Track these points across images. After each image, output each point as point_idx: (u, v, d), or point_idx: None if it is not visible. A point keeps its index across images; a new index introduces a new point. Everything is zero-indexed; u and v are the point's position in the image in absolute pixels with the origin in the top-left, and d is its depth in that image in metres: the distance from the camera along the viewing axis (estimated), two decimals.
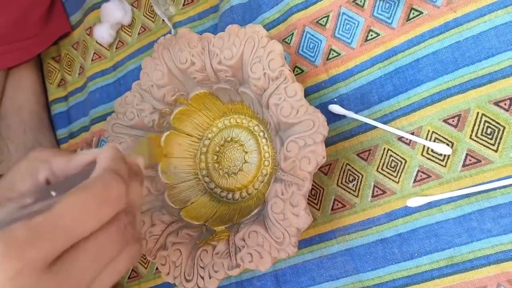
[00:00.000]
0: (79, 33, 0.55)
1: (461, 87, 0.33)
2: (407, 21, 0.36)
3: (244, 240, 0.33)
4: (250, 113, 0.40)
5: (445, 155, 0.34)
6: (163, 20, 0.48)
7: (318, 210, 0.38)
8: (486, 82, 0.33)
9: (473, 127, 0.33)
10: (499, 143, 0.32)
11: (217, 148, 0.41)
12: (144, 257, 0.46)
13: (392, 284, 0.34)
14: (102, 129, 0.50)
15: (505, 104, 0.32)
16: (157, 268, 0.45)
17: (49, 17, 0.55)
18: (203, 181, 0.42)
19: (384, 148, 0.36)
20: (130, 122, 0.41)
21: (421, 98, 0.35)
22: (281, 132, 0.34)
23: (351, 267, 0.36)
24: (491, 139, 0.32)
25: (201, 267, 0.34)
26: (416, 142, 0.34)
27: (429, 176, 0.34)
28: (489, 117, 0.32)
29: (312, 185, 0.38)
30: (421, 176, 0.34)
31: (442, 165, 0.34)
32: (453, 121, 0.34)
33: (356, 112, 0.37)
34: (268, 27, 0.41)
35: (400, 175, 0.35)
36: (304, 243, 0.38)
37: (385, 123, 0.36)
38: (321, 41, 0.39)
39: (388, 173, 0.35)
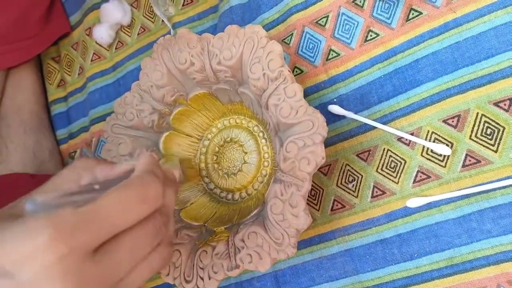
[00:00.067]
0: (79, 34, 0.55)
1: (461, 87, 0.33)
2: (406, 21, 0.35)
3: (243, 241, 0.33)
4: (250, 113, 0.40)
5: (444, 156, 0.33)
6: (162, 20, 0.48)
7: (318, 210, 0.38)
8: (485, 83, 0.33)
9: (472, 128, 0.33)
10: (498, 144, 0.32)
11: (217, 149, 0.41)
12: None
13: (391, 285, 0.34)
14: (101, 130, 0.50)
15: (504, 104, 0.32)
16: None
17: (49, 18, 0.55)
18: (203, 182, 0.42)
19: (384, 149, 0.36)
20: (130, 123, 0.41)
21: (420, 98, 0.35)
22: (280, 132, 0.34)
23: (351, 267, 0.36)
24: (490, 139, 0.32)
25: (200, 268, 0.34)
26: (415, 142, 0.34)
27: (428, 177, 0.34)
28: (488, 118, 0.32)
29: (312, 185, 0.38)
30: (420, 176, 0.34)
31: (441, 166, 0.34)
32: (452, 121, 0.33)
33: (355, 113, 0.37)
34: (268, 27, 0.41)
35: (400, 176, 0.35)
36: (303, 244, 0.38)
37: (384, 123, 0.36)
38: (320, 41, 0.39)
39: (387, 173, 0.35)
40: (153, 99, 0.40)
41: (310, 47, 0.39)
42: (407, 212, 0.34)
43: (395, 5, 0.36)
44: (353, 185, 0.36)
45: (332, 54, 0.38)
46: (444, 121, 0.34)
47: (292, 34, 0.40)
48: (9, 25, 0.50)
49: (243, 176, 0.39)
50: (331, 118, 0.38)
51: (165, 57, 0.38)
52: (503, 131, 0.32)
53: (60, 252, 0.19)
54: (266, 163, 0.39)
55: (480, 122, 0.33)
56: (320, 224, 0.37)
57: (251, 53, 0.34)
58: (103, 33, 0.50)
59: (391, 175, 0.35)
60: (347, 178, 0.37)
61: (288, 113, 0.32)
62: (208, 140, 0.42)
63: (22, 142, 0.52)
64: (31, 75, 0.56)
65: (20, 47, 0.52)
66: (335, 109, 0.37)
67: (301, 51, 0.40)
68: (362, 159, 0.36)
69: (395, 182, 0.35)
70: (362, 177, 0.36)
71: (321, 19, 0.39)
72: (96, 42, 0.52)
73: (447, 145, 0.33)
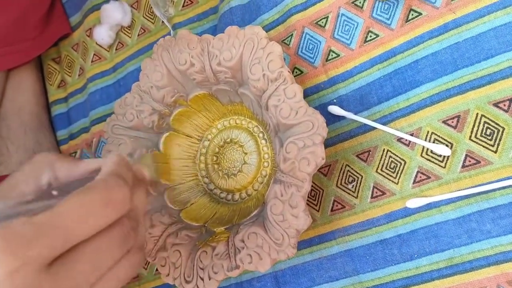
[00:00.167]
0: (79, 35, 0.55)
1: (461, 88, 0.33)
2: (406, 22, 0.36)
3: (243, 242, 0.33)
4: (250, 114, 0.40)
5: (444, 156, 0.34)
6: (162, 21, 0.48)
7: (318, 211, 0.38)
8: (485, 83, 0.33)
9: (472, 128, 0.33)
10: (498, 144, 0.32)
11: (217, 149, 0.42)
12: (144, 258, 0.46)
13: (391, 285, 0.34)
14: (102, 130, 0.50)
15: (504, 105, 0.32)
16: (157, 269, 0.45)
17: (49, 19, 0.55)
18: (203, 182, 0.42)
19: (384, 149, 0.36)
20: (130, 123, 0.41)
21: (420, 99, 0.35)
22: (280, 133, 0.34)
23: (351, 268, 0.36)
24: (490, 140, 0.32)
25: (200, 268, 0.34)
26: (415, 143, 0.34)
27: (428, 177, 0.34)
28: (488, 118, 0.32)
29: (312, 186, 0.38)
30: (420, 177, 0.34)
31: (441, 166, 0.34)
32: (452, 122, 0.34)
33: (355, 113, 0.37)
34: (268, 28, 0.41)
35: (400, 176, 0.35)
36: (303, 244, 0.38)
37: (384, 124, 0.36)
38: (320, 42, 0.39)
39: (387, 174, 0.35)
40: (153, 100, 0.40)
41: (310, 48, 0.39)
42: (407, 212, 0.34)
43: (395, 5, 0.36)
44: (353, 185, 0.36)
45: (332, 55, 0.38)
46: (444, 122, 0.34)
47: (292, 35, 0.40)
48: (9, 27, 0.50)
49: (243, 176, 0.40)
50: (331, 119, 0.38)
51: (165, 58, 0.38)
52: (502, 132, 0.32)
53: (11, 266, 0.18)
54: (266, 164, 0.39)
55: (479, 122, 0.33)
56: (320, 225, 0.37)
57: (251, 54, 0.34)
58: (103, 34, 0.51)
59: (391, 176, 0.35)
60: (347, 178, 0.37)
61: (288, 113, 0.32)
62: (208, 140, 0.42)
63: (23, 143, 0.52)
64: (32, 76, 0.56)
65: (20, 49, 0.52)
66: (335, 109, 0.37)
67: (301, 52, 0.40)
68: (362, 159, 0.36)
69: (395, 183, 0.35)
70: (362, 178, 0.36)
71: (320, 20, 0.39)
72: (96, 43, 0.53)
73: (446, 145, 0.33)
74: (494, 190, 0.32)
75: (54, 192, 0.21)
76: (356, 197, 0.36)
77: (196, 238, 0.36)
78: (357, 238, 0.36)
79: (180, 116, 0.41)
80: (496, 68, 0.32)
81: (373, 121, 0.36)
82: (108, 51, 0.52)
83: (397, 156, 0.35)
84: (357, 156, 0.37)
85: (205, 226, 0.38)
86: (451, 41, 0.34)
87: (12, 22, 0.50)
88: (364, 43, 0.37)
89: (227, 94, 0.39)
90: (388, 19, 0.36)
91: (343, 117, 0.37)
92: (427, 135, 0.34)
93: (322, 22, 0.39)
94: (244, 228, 0.33)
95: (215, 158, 0.42)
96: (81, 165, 0.25)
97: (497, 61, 0.32)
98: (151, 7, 0.49)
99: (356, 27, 0.37)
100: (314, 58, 0.39)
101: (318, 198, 0.38)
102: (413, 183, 0.34)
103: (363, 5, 0.37)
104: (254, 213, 0.35)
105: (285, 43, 0.41)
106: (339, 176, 0.37)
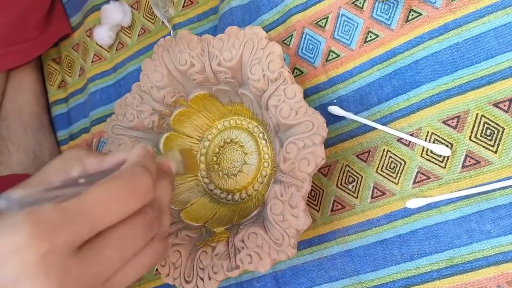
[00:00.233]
0: (79, 35, 0.55)
1: (460, 88, 0.33)
2: (406, 22, 0.36)
3: (243, 242, 0.33)
4: (250, 114, 0.40)
5: (444, 156, 0.34)
6: (162, 22, 0.48)
7: (318, 211, 0.38)
8: (485, 84, 0.33)
9: (472, 128, 0.33)
10: (498, 144, 0.32)
11: (217, 150, 0.42)
12: None
13: (391, 285, 0.34)
14: (102, 131, 0.50)
15: (504, 105, 0.32)
16: (157, 270, 0.45)
17: (49, 19, 0.55)
18: (203, 182, 0.42)
19: (384, 149, 0.36)
20: (130, 124, 0.41)
21: (420, 99, 0.35)
22: (280, 133, 0.34)
23: (351, 268, 0.36)
24: (490, 140, 0.32)
25: (200, 269, 0.34)
26: (415, 143, 0.34)
27: (428, 177, 0.34)
28: (488, 118, 0.32)
29: (312, 186, 0.38)
30: (420, 177, 0.34)
31: (441, 166, 0.34)
32: (452, 122, 0.34)
33: (355, 114, 0.37)
34: (268, 28, 0.42)
35: (400, 176, 0.35)
36: (304, 244, 0.38)
37: (384, 124, 0.36)
38: (320, 42, 0.39)
39: (387, 174, 0.35)
40: (153, 100, 0.40)
41: (310, 48, 0.39)
42: (407, 212, 0.34)
43: (395, 6, 0.36)
44: (353, 185, 0.36)
45: (332, 55, 0.38)
46: (444, 122, 0.34)
47: (292, 35, 0.40)
48: (9, 27, 0.50)
49: (243, 177, 0.40)
50: (331, 119, 0.38)
51: (166, 58, 0.38)
52: (502, 132, 0.32)
53: (42, 249, 0.18)
54: (266, 164, 0.39)
55: (479, 123, 0.33)
56: (320, 225, 0.37)
57: (251, 54, 0.34)
58: (103, 35, 0.51)
59: (391, 176, 0.35)
60: (347, 179, 0.37)
61: (288, 114, 0.32)
62: (208, 141, 0.42)
63: (23, 143, 0.52)
64: (32, 77, 0.56)
65: (20, 49, 0.52)
66: (335, 110, 0.37)
67: (301, 52, 0.40)
68: (362, 160, 0.36)
69: (395, 183, 0.35)
70: (362, 178, 0.36)
71: (321, 20, 0.39)
72: (96, 44, 0.53)
73: (446, 146, 0.33)
74: (494, 190, 0.32)
75: (81, 180, 0.22)
76: (356, 197, 0.36)
77: (196, 238, 0.36)
78: (357, 238, 0.36)
79: (181, 116, 0.41)
80: (496, 69, 0.32)
81: (373, 121, 0.36)
82: (108, 51, 0.52)
83: (397, 156, 0.35)
84: (357, 156, 0.37)
85: (205, 226, 0.38)
86: (451, 42, 0.34)
87: (12, 23, 0.50)
88: (364, 43, 0.37)
89: (227, 94, 0.39)
90: (388, 20, 0.36)
91: (343, 117, 0.37)
92: (427, 136, 0.34)
93: (322, 23, 0.39)
94: (244, 228, 0.33)
95: (215, 158, 0.42)
96: (108, 158, 0.25)
97: (497, 61, 0.32)
98: (151, 8, 0.49)
99: (356, 28, 0.37)
100: (314, 58, 0.39)
101: (318, 198, 0.38)
102: (413, 183, 0.34)
103: (363, 5, 0.37)
104: (254, 213, 0.35)
105: (285, 43, 0.41)
106: (339, 176, 0.37)
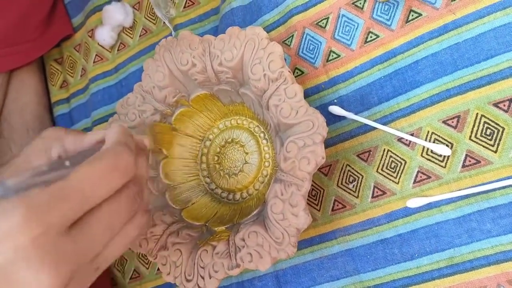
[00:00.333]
0: (81, 35, 0.56)
1: (461, 88, 0.34)
2: (406, 23, 0.36)
3: (244, 240, 0.33)
4: (251, 114, 0.40)
5: (444, 156, 0.34)
6: (164, 22, 0.48)
7: (319, 210, 0.38)
8: (485, 84, 0.33)
9: (472, 128, 0.33)
10: (498, 144, 0.32)
11: (218, 149, 0.42)
12: (146, 258, 0.46)
13: (392, 285, 0.34)
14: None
15: (504, 105, 0.32)
16: (158, 269, 0.45)
17: (51, 20, 0.55)
18: (204, 182, 0.42)
19: (384, 149, 0.36)
20: (132, 123, 0.41)
21: (420, 99, 0.35)
22: (281, 133, 0.34)
23: (352, 267, 0.36)
24: (490, 140, 0.32)
25: (201, 267, 0.34)
26: (415, 143, 0.35)
27: (429, 177, 0.34)
28: (488, 118, 0.33)
29: (313, 185, 0.38)
30: (421, 177, 0.34)
31: (441, 166, 0.34)
32: (452, 122, 0.34)
33: (356, 113, 0.37)
34: (268, 29, 0.42)
35: (400, 176, 0.35)
36: (304, 244, 0.38)
37: (384, 124, 0.36)
38: (321, 42, 0.39)
39: (388, 174, 0.35)
40: (155, 100, 0.40)
41: (311, 48, 0.40)
42: (408, 212, 0.34)
43: (395, 6, 0.36)
44: (354, 185, 0.37)
45: (332, 55, 0.38)
46: (444, 122, 0.34)
47: (292, 35, 0.40)
48: (10, 28, 0.50)
49: (244, 176, 0.40)
50: (332, 119, 0.38)
51: (167, 59, 0.39)
52: (502, 132, 0.32)
53: (34, 232, 0.19)
54: (267, 163, 0.39)
55: (479, 122, 0.33)
56: (321, 224, 0.38)
57: (252, 54, 0.34)
58: (105, 35, 0.51)
59: (391, 176, 0.35)
60: (347, 178, 0.37)
61: (289, 113, 0.32)
62: (210, 140, 0.42)
63: (25, 143, 0.53)
64: (34, 77, 0.56)
65: (22, 50, 0.52)
66: (335, 110, 0.37)
67: (302, 52, 0.40)
68: (362, 159, 0.37)
69: (395, 182, 0.35)
70: (362, 178, 0.36)
71: (321, 20, 0.39)
72: (98, 44, 0.53)
73: (447, 145, 0.34)
74: (494, 189, 0.32)
75: (67, 163, 0.23)
76: (357, 197, 0.36)
77: (197, 237, 0.37)
78: (357, 237, 0.36)
79: (182, 116, 0.41)
80: (496, 69, 0.32)
81: (373, 121, 0.36)
82: (110, 51, 0.53)
83: (398, 156, 0.35)
84: (357, 156, 0.37)
85: (206, 225, 0.38)
86: (451, 42, 0.34)
87: (13, 23, 0.50)
88: (365, 43, 0.37)
89: (228, 94, 0.39)
90: (388, 20, 0.36)
91: (343, 117, 0.38)
92: (427, 135, 0.34)
93: (323, 23, 0.39)
94: (244, 227, 0.33)
95: (216, 158, 0.42)
96: (87, 137, 0.26)
97: (497, 61, 0.32)
98: (153, 8, 0.50)
99: (356, 28, 0.38)
100: (315, 58, 0.39)
101: (319, 198, 0.38)
102: (414, 183, 0.34)
103: (363, 6, 0.37)
104: (254, 212, 0.35)
105: (286, 43, 0.41)
106: (339, 175, 0.37)
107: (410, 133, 0.35)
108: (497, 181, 0.32)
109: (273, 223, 0.32)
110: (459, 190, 0.33)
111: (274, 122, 0.34)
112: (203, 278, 0.33)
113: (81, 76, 0.55)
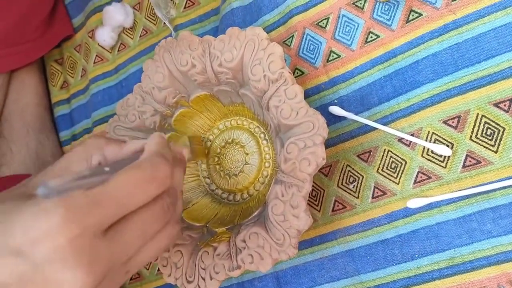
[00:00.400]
0: (82, 36, 0.56)
1: (461, 88, 0.33)
2: (406, 23, 0.36)
3: (244, 242, 0.33)
4: (251, 115, 0.40)
5: (445, 156, 0.34)
6: (164, 23, 0.48)
7: (319, 211, 0.38)
8: (485, 84, 0.33)
9: (473, 128, 0.33)
10: (499, 144, 0.32)
11: (218, 150, 0.42)
12: None
13: (392, 285, 0.34)
14: (104, 131, 0.51)
15: (504, 105, 0.32)
16: (159, 270, 0.45)
17: (52, 20, 0.55)
18: (204, 183, 0.42)
19: (384, 150, 0.36)
20: (132, 124, 0.41)
21: (421, 99, 0.35)
22: (281, 133, 0.34)
23: (352, 268, 0.36)
24: (491, 140, 0.32)
25: (202, 268, 0.34)
26: (416, 143, 0.35)
27: (429, 177, 0.34)
28: (489, 118, 0.32)
29: (313, 186, 0.38)
30: (421, 177, 0.34)
31: (442, 166, 0.34)
32: (453, 122, 0.34)
33: (356, 114, 0.37)
34: (269, 29, 0.42)
35: (400, 176, 0.35)
36: (305, 244, 0.38)
37: (385, 124, 0.36)
38: (321, 43, 0.39)
39: (388, 174, 0.35)
40: (155, 101, 0.40)
41: (311, 48, 0.39)
42: (408, 212, 0.34)
43: (395, 6, 0.36)
44: (354, 185, 0.37)
45: (332, 56, 0.38)
46: (445, 122, 0.34)
47: (293, 36, 0.40)
48: (11, 28, 0.50)
49: (245, 177, 0.40)
50: (332, 119, 0.38)
51: (167, 59, 0.39)
52: (503, 132, 0.32)
53: (72, 232, 0.20)
54: (267, 164, 0.39)
55: (480, 123, 0.33)
56: (321, 225, 0.38)
57: (252, 55, 0.34)
58: (105, 36, 0.51)
59: (391, 176, 0.35)
60: (348, 179, 0.37)
61: (289, 114, 0.32)
62: (210, 141, 0.42)
63: (25, 143, 0.53)
64: (34, 77, 0.56)
65: (22, 50, 0.52)
66: (335, 110, 0.37)
67: (302, 52, 0.40)
68: (362, 160, 0.37)
69: (395, 183, 0.35)
70: (362, 178, 0.36)
71: (321, 21, 0.39)
72: (98, 45, 0.53)
73: (447, 145, 0.33)
74: (494, 190, 0.32)
75: (106, 169, 0.23)
76: (357, 197, 0.36)
77: (197, 238, 0.37)
78: (358, 238, 0.36)
79: (182, 117, 0.41)
80: (497, 69, 0.32)
81: (373, 121, 0.36)
82: (110, 52, 0.53)
83: (398, 156, 0.35)
84: (358, 156, 0.37)
85: (206, 226, 0.38)
86: (452, 42, 0.34)
87: (13, 24, 0.50)
88: (365, 44, 0.37)
89: (228, 95, 0.39)
90: (388, 20, 0.36)
91: (344, 118, 0.38)
92: (427, 136, 0.34)
93: (323, 23, 0.39)
94: (245, 228, 0.33)
95: (216, 159, 0.42)
96: (127, 146, 0.27)
97: (497, 61, 0.32)
98: (153, 9, 0.50)
99: (356, 28, 0.38)
100: (315, 59, 0.39)
101: (319, 198, 0.38)
102: (414, 183, 0.34)
103: (363, 6, 0.37)
104: (255, 214, 0.35)
105: (286, 44, 0.41)
106: (340, 176, 0.37)
107: (411, 133, 0.35)
108: (497, 181, 0.32)
109: (274, 225, 0.32)
110: (460, 190, 0.33)
111: (275, 123, 0.34)
112: (204, 279, 0.34)
113: (81, 76, 0.55)
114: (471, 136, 0.33)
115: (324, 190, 0.38)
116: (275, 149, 0.35)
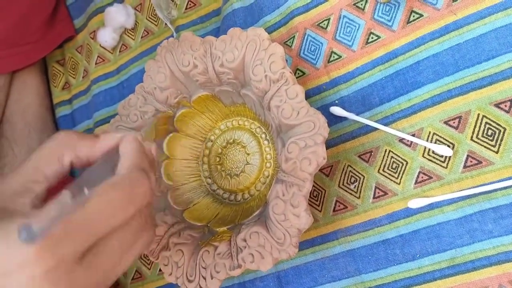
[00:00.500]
0: (83, 37, 0.56)
1: (462, 89, 0.34)
2: (407, 23, 0.36)
3: (245, 241, 0.33)
4: (252, 115, 0.40)
5: (446, 157, 0.34)
6: (165, 23, 0.49)
7: (320, 211, 0.38)
8: (486, 84, 0.33)
9: (474, 129, 0.33)
10: (499, 145, 0.32)
11: (220, 150, 0.42)
12: (147, 258, 0.46)
13: (394, 285, 0.34)
14: (106, 132, 0.51)
15: (505, 105, 0.32)
16: (160, 269, 0.45)
17: (53, 21, 0.55)
18: (206, 183, 0.42)
19: (385, 150, 0.36)
20: (134, 124, 0.41)
21: (422, 100, 0.35)
22: (282, 133, 0.34)
23: (353, 268, 0.36)
24: (492, 140, 0.32)
25: (203, 268, 0.34)
26: (417, 143, 0.35)
27: (430, 177, 0.34)
28: (489, 119, 0.33)
29: (314, 186, 0.38)
30: (422, 177, 0.34)
31: (443, 167, 0.34)
32: (454, 122, 0.34)
33: (357, 114, 0.37)
34: (270, 30, 0.42)
35: (402, 177, 0.35)
36: (306, 244, 0.38)
37: (386, 124, 0.36)
38: (322, 43, 0.39)
39: (389, 174, 0.35)
40: (156, 101, 0.40)
41: (312, 49, 0.40)
42: (409, 212, 0.34)
43: (396, 7, 0.36)
44: (355, 186, 0.37)
45: (333, 56, 0.39)
46: (445, 122, 0.34)
47: (294, 36, 0.40)
48: (12, 29, 0.50)
49: (246, 177, 0.40)
50: (333, 120, 0.38)
51: (169, 60, 0.39)
52: (504, 132, 0.32)
53: (48, 264, 0.19)
54: (268, 164, 0.39)
55: (481, 123, 0.33)
56: (322, 225, 0.38)
57: (253, 55, 0.34)
58: (107, 37, 0.51)
59: (392, 176, 0.35)
60: (349, 179, 0.37)
61: (290, 114, 0.32)
62: (211, 141, 0.42)
63: (27, 144, 0.53)
64: (36, 78, 0.56)
65: (24, 51, 0.52)
66: (336, 110, 0.37)
67: (303, 53, 0.40)
68: (363, 160, 0.37)
69: (396, 183, 0.35)
70: (364, 178, 0.36)
71: (322, 21, 0.39)
72: (100, 45, 0.53)
73: (448, 146, 0.34)
74: (495, 190, 0.32)
75: (86, 191, 0.22)
76: (358, 198, 0.36)
77: (198, 237, 0.37)
78: (359, 238, 0.36)
79: (184, 117, 0.41)
80: (497, 69, 0.32)
81: (375, 122, 0.36)
82: (112, 53, 0.53)
83: (399, 156, 0.35)
84: (359, 156, 0.37)
85: (207, 226, 0.38)
86: (452, 43, 0.34)
87: (14, 25, 0.50)
88: (366, 44, 0.37)
89: (229, 95, 0.39)
90: (389, 21, 0.37)
91: (345, 118, 0.38)
92: (428, 136, 0.34)
93: (324, 24, 0.39)
94: (246, 228, 0.33)
95: (218, 159, 0.42)
96: (99, 144, 0.26)
97: (498, 62, 0.32)
98: (154, 10, 0.50)
99: (357, 29, 0.38)
100: (316, 59, 0.39)
101: (321, 199, 0.38)
102: (415, 183, 0.34)
103: (364, 7, 0.38)
104: (256, 213, 0.35)
105: (287, 44, 0.41)
106: (341, 176, 0.37)
107: (412, 133, 0.35)
108: (498, 181, 0.32)
109: (275, 224, 0.32)
110: (461, 190, 0.33)
111: (276, 123, 0.34)
112: (204, 278, 0.34)
113: (83, 77, 0.56)
114: (472, 137, 0.33)
115: (325, 190, 0.38)
116: (276, 149, 0.35)
